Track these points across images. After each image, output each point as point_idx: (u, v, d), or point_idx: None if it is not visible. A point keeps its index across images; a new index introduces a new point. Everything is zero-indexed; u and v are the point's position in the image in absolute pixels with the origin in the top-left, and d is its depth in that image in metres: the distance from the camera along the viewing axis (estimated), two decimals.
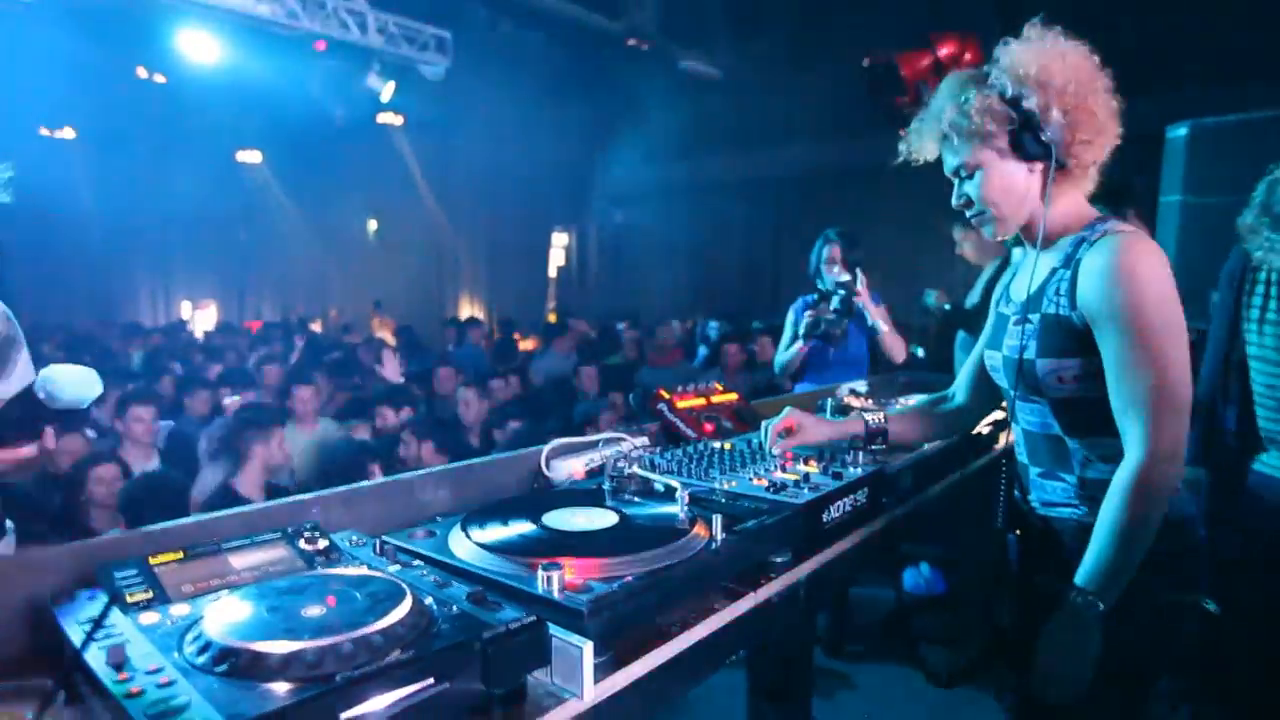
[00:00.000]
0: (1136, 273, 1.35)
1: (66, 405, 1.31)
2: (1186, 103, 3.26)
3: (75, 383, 1.31)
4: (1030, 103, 1.42)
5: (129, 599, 1.00)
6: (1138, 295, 1.34)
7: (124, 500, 2.96)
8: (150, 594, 1.03)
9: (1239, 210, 2.36)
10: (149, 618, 0.97)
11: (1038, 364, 1.48)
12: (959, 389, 1.90)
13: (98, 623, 0.86)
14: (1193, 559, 1.49)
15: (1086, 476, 1.50)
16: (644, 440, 1.90)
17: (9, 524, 1.71)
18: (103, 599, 1.00)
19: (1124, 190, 2.54)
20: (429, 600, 1.00)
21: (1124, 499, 1.36)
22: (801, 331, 3.60)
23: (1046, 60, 1.41)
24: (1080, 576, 1.39)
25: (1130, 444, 1.37)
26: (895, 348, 3.65)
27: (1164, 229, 2.70)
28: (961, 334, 4.16)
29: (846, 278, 3.52)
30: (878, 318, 3.58)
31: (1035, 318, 1.50)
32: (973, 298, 4.08)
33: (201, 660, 0.86)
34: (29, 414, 1.33)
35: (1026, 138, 1.43)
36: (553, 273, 14.58)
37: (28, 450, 1.58)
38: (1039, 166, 1.47)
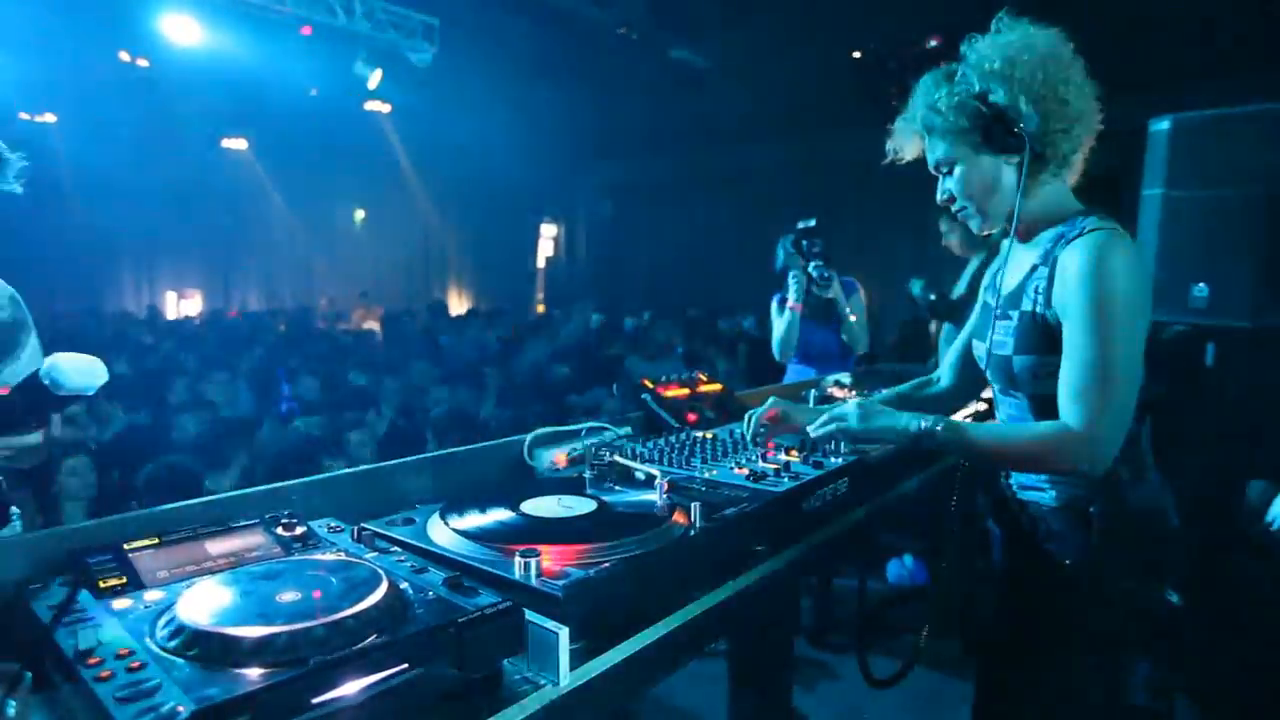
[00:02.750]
0: (1106, 273, 1.35)
1: (71, 392, 1.28)
2: (1169, 97, 3.28)
3: (81, 370, 1.28)
4: (998, 96, 1.42)
5: (102, 584, 1.00)
6: (1104, 294, 1.35)
7: (144, 485, 2.96)
8: (124, 579, 1.02)
9: (1220, 203, 2.38)
10: (122, 603, 0.96)
11: (1015, 360, 1.50)
12: (944, 373, 1.92)
13: (65, 604, 0.86)
14: (1163, 549, 1.52)
15: None
16: (627, 429, 1.90)
17: (14, 510, 1.70)
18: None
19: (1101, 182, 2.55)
20: (405, 585, 1.00)
21: (1037, 440, 1.43)
22: (792, 295, 3.59)
23: (1012, 52, 1.41)
24: (946, 422, 1.50)
25: (1080, 420, 1.38)
26: (858, 336, 3.67)
27: (1146, 222, 2.72)
28: (948, 326, 4.18)
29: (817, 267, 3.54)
30: (847, 308, 3.60)
31: (1015, 314, 1.51)
32: (959, 289, 4.10)
33: (173, 644, 0.85)
34: (36, 400, 1.29)
35: (997, 131, 1.43)
36: (541, 263, 14.53)
37: (34, 437, 1.57)
38: (1015, 159, 1.46)
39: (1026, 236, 1.54)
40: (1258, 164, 2.47)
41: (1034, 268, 1.49)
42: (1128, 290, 1.35)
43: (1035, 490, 1.58)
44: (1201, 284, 2.63)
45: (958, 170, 1.51)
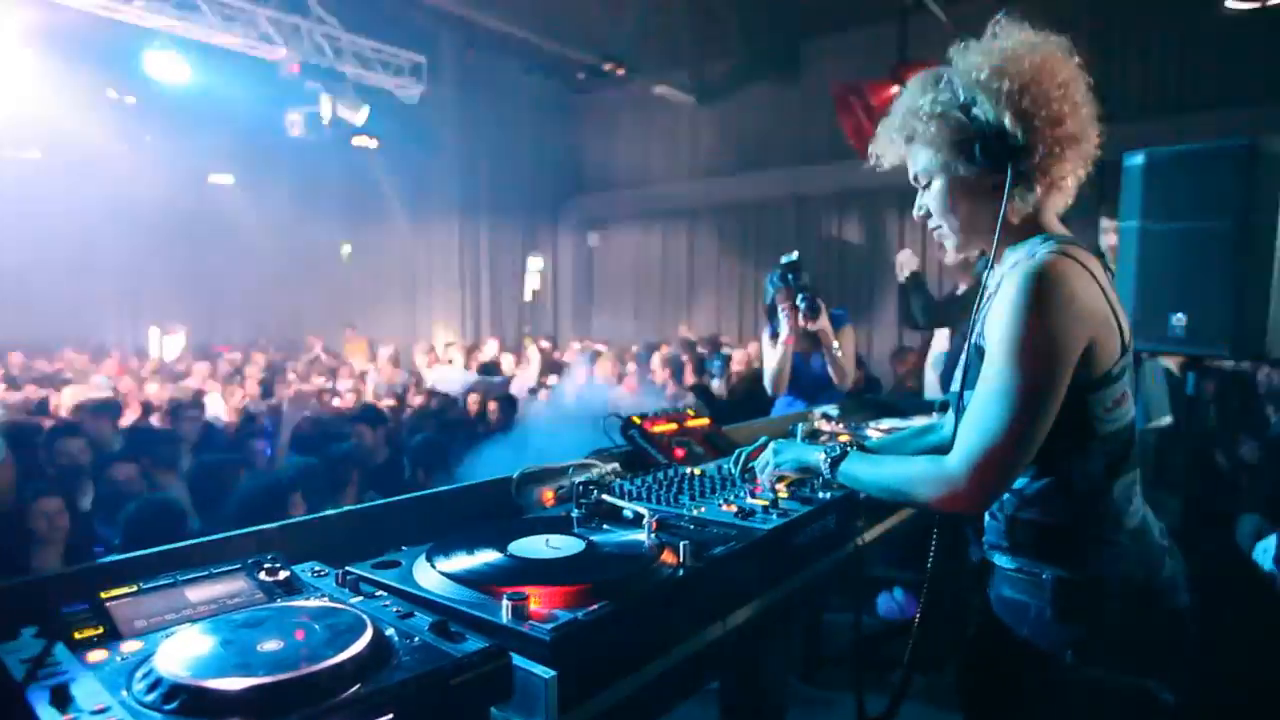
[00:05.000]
0: (1028, 303, 1.22)
1: None
2: (1143, 131, 3.36)
3: None
4: (982, 109, 1.28)
5: (76, 636, 0.97)
6: (1018, 325, 1.23)
7: (126, 527, 2.85)
8: (100, 630, 1.00)
9: (1193, 235, 2.41)
10: (97, 655, 0.94)
11: (965, 396, 1.36)
12: (950, 417, 1.64)
13: (39, 660, 0.83)
14: (1161, 633, 1.33)
15: (1013, 516, 1.39)
16: (615, 466, 1.89)
17: None
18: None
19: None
20: (390, 632, 0.98)
21: (908, 468, 1.37)
22: (783, 329, 3.59)
23: (1002, 61, 1.27)
24: (847, 455, 1.50)
25: (956, 453, 1.27)
26: (844, 373, 3.66)
27: (1124, 253, 2.77)
28: (935, 353, 4.20)
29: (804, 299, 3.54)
30: (833, 339, 3.60)
31: (971, 347, 1.38)
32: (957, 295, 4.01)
33: (151, 698, 0.83)
34: None
35: (980, 148, 1.28)
36: (528, 297, 14.56)
37: None
38: (999, 179, 1.30)
39: (1000, 262, 1.40)
40: (1227, 197, 2.53)
41: (990, 296, 1.36)
42: (1045, 323, 1.22)
43: (997, 550, 1.43)
44: (1180, 314, 2.67)
45: (936, 185, 1.38)
